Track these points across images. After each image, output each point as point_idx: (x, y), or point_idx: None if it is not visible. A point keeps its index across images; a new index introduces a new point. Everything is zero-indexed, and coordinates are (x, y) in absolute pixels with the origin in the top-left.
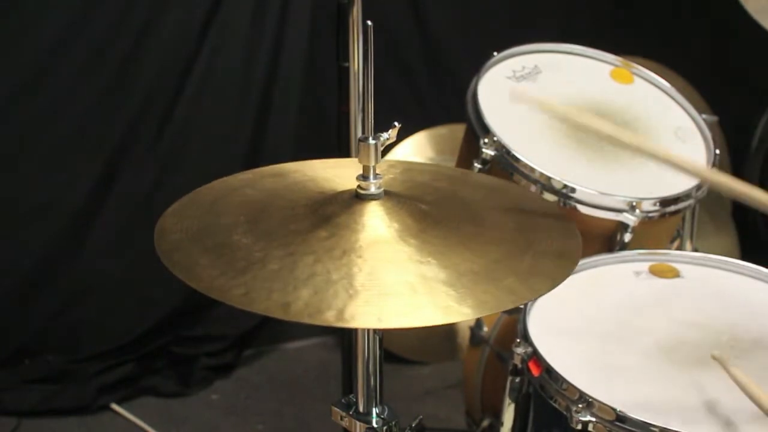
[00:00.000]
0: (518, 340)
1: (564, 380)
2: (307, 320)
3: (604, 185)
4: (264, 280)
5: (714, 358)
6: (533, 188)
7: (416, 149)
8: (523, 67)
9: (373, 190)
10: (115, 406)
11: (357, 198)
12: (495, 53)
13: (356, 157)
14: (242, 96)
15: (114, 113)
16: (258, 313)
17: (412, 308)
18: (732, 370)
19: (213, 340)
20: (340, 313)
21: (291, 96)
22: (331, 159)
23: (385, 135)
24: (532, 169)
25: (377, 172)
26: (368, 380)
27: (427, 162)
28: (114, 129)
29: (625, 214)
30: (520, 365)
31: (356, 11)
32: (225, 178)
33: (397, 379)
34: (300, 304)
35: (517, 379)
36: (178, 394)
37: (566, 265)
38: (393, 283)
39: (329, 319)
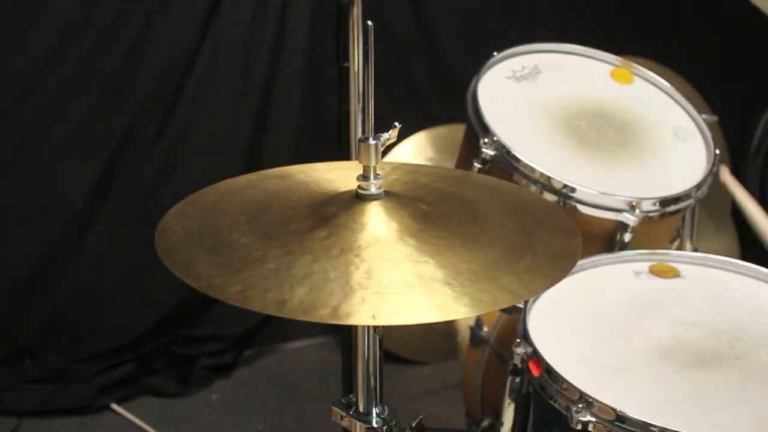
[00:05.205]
0: (518, 340)
1: (564, 380)
2: (301, 317)
3: (604, 185)
4: (261, 279)
5: None
6: (533, 188)
7: (416, 149)
8: (523, 67)
9: (373, 190)
10: (115, 406)
11: (357, 198)
12: (495, 53)
13: (356, 157)
14: (242, 96)
15: (114, 113)
16: (258, 313)
17: (408, 306)
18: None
19: (213, 340)
20: (335, 310)
21: (291, 96)
22: (335, 161)
23: (385, 135)
24: (532, 169)
25: (378, 172)
26: (368, 380)
27: (428, 162)
28: (114, 129)
29: (625, 213)
30: (520, 365)
31: (356, 11)
32: (229, 180)
33: (397, 379)
34: (295, 301)
35: (517, 379)
36: (178, 394)
37: (565, 264)
38: (389, 282)
39: (324, 316)
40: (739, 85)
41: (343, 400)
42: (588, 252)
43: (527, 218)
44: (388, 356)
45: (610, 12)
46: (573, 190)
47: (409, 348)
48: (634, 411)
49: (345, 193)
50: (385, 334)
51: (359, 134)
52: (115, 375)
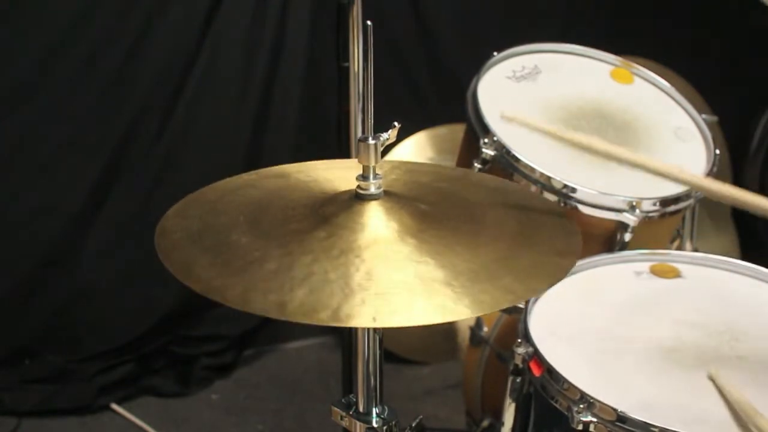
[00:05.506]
0: (519, 340)
1: (565, 380)
2: (302, 320)
3: (605, 185)
4: (261, 280)
5: (710, 378)
6: (533, 188)
7: (416, 149)
8: (523, 67)
9: (372, 190)
10: (115, 406)
11: (357, 198)
12: (495, 53)
13: (356, 157)
14: (242, 96)
15: (114, 113)
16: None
17: (408, 307)
18: (726, 390)
19: (213, 340)
20: (335, 312)
21: (291, 96)
22: (335, 160)
23: (385, 135)
24: (533, 169)
25: (377, 172)
26: (368, 380)
27: (428, 162)
28: (114, 129)
29: (625, 213)
30: (521, 365)
31: (356, 11)
32: (229, 179)
33: (397, 379)
34: (296, 303)
35: (518, 379)
36: (178, 394)
37: (565, 264)
38: (390, 283)
39: (324, 318)
40: (739, 85)
41: (343, 400)
42: (588, 252)
43: (526, 217)
44: (388, 356)
45: (610, 12)
46: (573, 190)
47: (409, 348)
48: (634, 411)
49: (344, 192)
50: (385, 334)
51: (359, 134)
52: (115, 375)
